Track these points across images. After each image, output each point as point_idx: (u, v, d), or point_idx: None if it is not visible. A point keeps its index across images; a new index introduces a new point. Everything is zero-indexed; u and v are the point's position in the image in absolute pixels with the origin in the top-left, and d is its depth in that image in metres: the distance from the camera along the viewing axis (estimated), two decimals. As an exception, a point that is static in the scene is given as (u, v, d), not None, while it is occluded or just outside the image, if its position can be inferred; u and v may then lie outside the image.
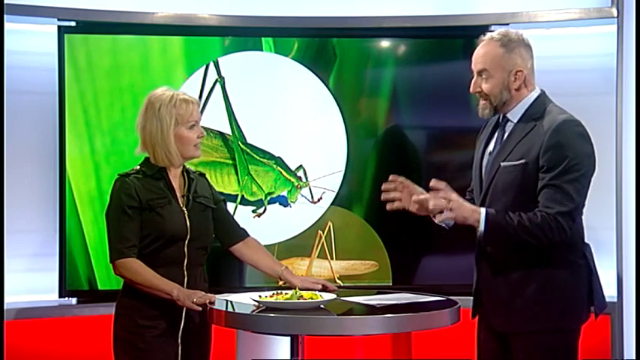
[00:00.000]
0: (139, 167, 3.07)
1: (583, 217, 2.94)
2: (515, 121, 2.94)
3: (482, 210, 2.83)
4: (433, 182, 2.87)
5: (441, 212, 2.85)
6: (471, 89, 2.99)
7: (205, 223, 3.13)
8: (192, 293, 2.93)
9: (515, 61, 2.91)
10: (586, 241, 2.96)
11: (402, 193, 2.99)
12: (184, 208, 3.07)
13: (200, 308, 2.90)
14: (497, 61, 2.92)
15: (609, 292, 3.96)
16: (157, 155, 3.05)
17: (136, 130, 3.09)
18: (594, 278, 2.90)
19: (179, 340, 3.03)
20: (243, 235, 3.27)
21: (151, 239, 3.00)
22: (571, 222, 2.80)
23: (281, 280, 3.19)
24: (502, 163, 2.90)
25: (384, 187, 3.01)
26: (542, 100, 2.93)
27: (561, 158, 2.78)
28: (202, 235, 3.10)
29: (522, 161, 2.84)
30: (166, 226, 3.00)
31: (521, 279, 2.86)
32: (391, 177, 3.00)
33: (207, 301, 2.90)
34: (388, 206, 2.99)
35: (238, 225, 3.28)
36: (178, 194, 3.08)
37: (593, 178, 2.88)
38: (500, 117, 2.99)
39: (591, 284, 2.89)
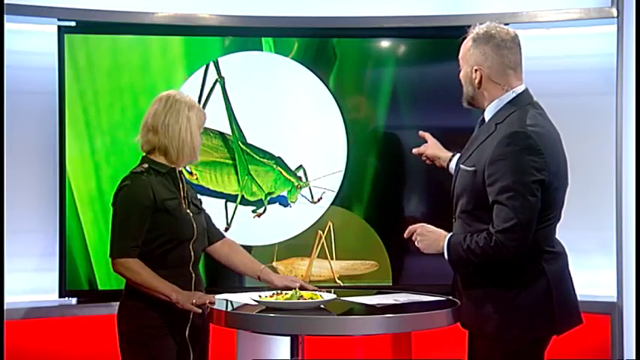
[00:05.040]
0: (147, 166, 3.05)
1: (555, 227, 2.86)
2: (486, 121, 2.91)
3: (446, 239, 2.83)
4: (406, 233, 2.94)
5: None
6: None
7: (203, 223, 3.16)
8: (191, 295, 2.93)
9: (476, 57, 2.86)
10: (556, 250, 2.84)
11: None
12: (188, 210, 3.08)
13: (200, 310, 2.90)
14: (464, 54, 2.91)
15: (609, 292, 3.97)
16: (173, 153, 3.03)
17: (144, 124, 3.06)
18: (556, 295, 2.78)
19: (187, 338, 3.03)
20: (219, 235, 3.28)
21: (163, 241, 3.00)
22: (510, 240, 2.69)
23: (260, 279, 3.19)
24: (460, 166, 2.89)
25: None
26: (511, 104, 2.85)
27: (502, 173, 2.70)
28: (203, 235, 3.14)
29: (473, 169, 2.81)
30: (179, 228, 3.02)
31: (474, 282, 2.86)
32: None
33: (207, 301, 2.91)
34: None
35: (215, 225, 3.29)
36: (182, 195, 3.09)
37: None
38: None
39: (552, 302, 2.78)
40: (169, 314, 2.98)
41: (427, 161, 3.29)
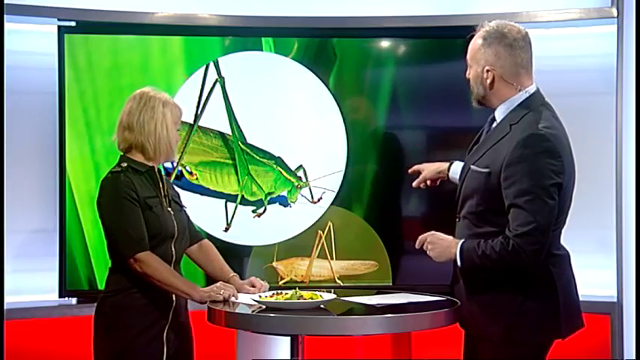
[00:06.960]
0: (125, 165, 3.02)
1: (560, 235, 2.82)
2: (498, 122, 2.84)
3: (458, 246, 2.77)
4: (417, 244, 2.89)
5: None
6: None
7: (184, 222, 3.13)
8: (211, 291, 2.93)
9: (487, 57, 2.79)
10: (561, 257, 2.80)
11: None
12: (169, 208, 3.07)
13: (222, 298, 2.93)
14: (474, 53, 2.84)
15: (609, 292, 3.97)
16: (150, 150, 3.01)
17: (119, 123, 3.04)
18: (562, 299, 2.76)
19: (164, 339, 3.00)
20: (197, 237, 3.24)
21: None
22: (528, 244, 2.65)
23: None
24: (471, 166, 2.82)
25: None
26: (525, 104, 2.79)
27: (520, 176, 2.65)
28: (184, 233, 3.10)
29: (487, 170, 2.75)
30: (162, 225, 2.99)
31: (476, 285, 2.81)
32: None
33: (230, 294, 2.93)
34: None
35: (193, 226, 3.25)
36: (162, 193, 3.08)
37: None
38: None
39: (558, 305, 2.75)
40: (150, 314, 2.96)
41: (431, 184, 3.16)
